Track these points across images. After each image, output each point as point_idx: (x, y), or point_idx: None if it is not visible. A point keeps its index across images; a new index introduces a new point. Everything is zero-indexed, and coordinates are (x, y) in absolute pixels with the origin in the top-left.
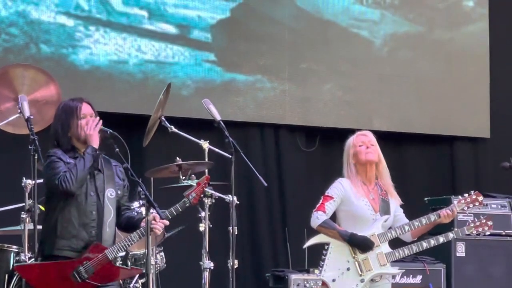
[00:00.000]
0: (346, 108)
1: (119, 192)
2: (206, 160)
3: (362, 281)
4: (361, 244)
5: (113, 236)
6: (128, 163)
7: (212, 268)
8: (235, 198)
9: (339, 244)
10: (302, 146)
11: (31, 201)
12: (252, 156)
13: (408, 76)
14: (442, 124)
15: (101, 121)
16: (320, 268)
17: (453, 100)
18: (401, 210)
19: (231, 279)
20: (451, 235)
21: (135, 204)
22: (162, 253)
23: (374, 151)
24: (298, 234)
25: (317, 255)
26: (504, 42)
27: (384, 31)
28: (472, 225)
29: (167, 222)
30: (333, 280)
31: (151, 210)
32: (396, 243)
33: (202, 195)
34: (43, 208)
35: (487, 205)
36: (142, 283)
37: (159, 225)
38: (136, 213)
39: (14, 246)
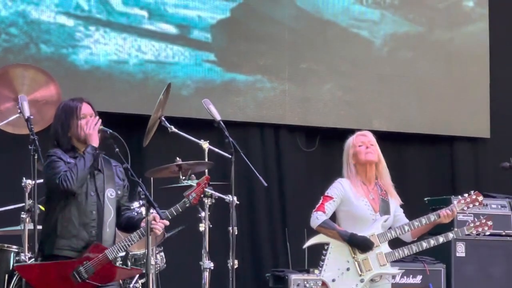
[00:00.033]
0: (346, 108)
1: (119, 192)
2: (206, 160)
3: (362, 281)
4: (360, 244)
5: (113, 236)
6: (128, 163)
7: (212, 268)
8: (235, 198)
9: (339, 244)
10: (302, 146)
11: (31, 201)
12: (252, 156)
13: (408, 76)
14: (442, 124)
15: (100, 120)
16: (320, 268)
17: (453, 100)
18: (401, 210)
19: (231, 279)
20: (451, 235)
21: (135, 204)
22: (162, 253)
23: (374, 151)
24: (298, 234)
25: (317, 255)
26: (504, 42)
27: (384, 31)
28: (472, 225)
29: (167, 222)
30: (333, 280)
31: (151, 210)
32: (396, 243)
33: (202, 195)
34: (43, 208)
35: (487, 205)
36: (142, 283)
37: (159, 225)
38: (136, 213)
39: (14, 246)
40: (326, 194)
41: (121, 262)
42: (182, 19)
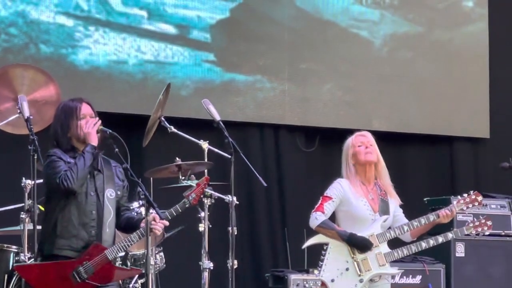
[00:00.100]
0: (345, 109)
1: (118, 192)
2: (206, 160)
3: (361, 281)
4: (360, 245)
5: (112, 236)
6: (127, 163)
7: (211, 268)
8: (234, 198)
9: (338, 244)
10: (302, 146)
11: (31, 201)
12: (252, 157)
13: (407, 76)
14: (441, 124)
15: (99, 121)
16: (319, 268)
17: (453, 101)
18: (401, 210)
19: (230, 279)
20: (450, 235)
21: (135, 204)
22: (162, 253)
23: (373, 152)
24: (297, 234)
25: (316, 255)
26: (503, 42)
27: (383, 31)
28: (471, 225)
29: (166, 223)
30: (332, 280)
31: (151, 211)
32: (395, 243)
33: (201, 196)
34: (42, 208)
35: (486, 205)
36: (141, 283)
37: (159, 226)
38: (135, 214)
39: (14, 246)
40: (325, 194)
41: (120, 262)
42: (182, 19)
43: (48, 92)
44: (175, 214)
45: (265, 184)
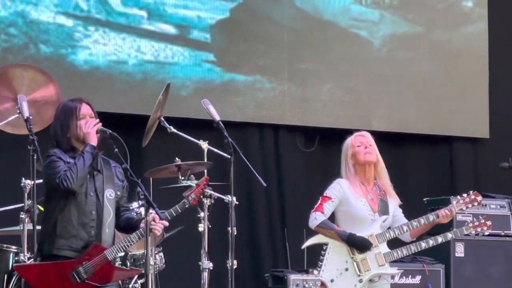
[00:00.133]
0: (345, 109)
1: (118, 193)
2: (205, 160)
3: (360, 281)
4: (359, 245)
5: (112, 236)
6: (127, 164)
7: (211, 268)
8: (234, 198)
9: (338, 244)
10: (301, 146)
11: (30, 201)
12: (251, 157)
13: (407, 77)
14: (441, 124)
15: (100, 122)
16: (319, 269)
17: (452, 101)
18: (400, 210)
19: (230, 279)
20: (449, 235)
21: (134, 205)
22: (161, 254)
23: (372, 152)
24: (297, 235)
25: (316, 255)
26: (503, 43)
27: (383, 32)
28: (471, 225)
29: (166, 223)
30: (332, 281)
31: (150, 211)
32: (395, 243)
33: (201, 196)
34: (42, 209)
35: (486, 205)
36: (141, 283)
37: (159, 226)
38: (135, 214)
39: (13, 246)
40: (324, 194)
41: (120, 263)
42: (182, 19)
43: (47, 92)
44: (174, 214)
45: (265, 184)
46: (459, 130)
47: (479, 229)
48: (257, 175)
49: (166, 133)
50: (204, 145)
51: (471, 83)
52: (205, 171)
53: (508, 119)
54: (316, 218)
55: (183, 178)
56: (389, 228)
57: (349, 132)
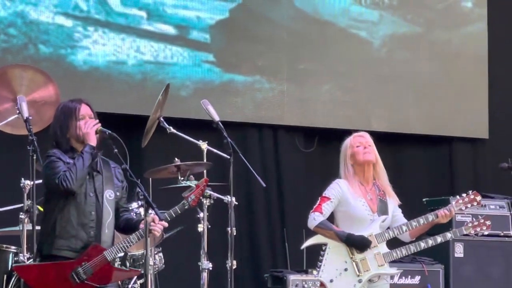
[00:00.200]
0: (344, 109)
1: (117, 193)
2: (205, 160)
3: (360, 281)
4: (358, 244)
5: (111, 237)
6: (126, 164)
7: (210, 268)
8: (233, 198)
9: (337, 244)
10: (301, 146)
11: (30, 201)
12: (251, 157)
13: (406, 77)
14: (440, 125)
15: (99, 123)
16: (318, 269)
17: (452, 101)
18: (400, 210)
19: (229, 279)
20: (449, 235)
21: (134, 205)
22: (161, 254)
23: (371, 152)
24: (296, 235)
25: (315, 255)
26: (502, 43)
27: (382, 32)
28: (470, 225)
29: (166, 224)
30: (331, 281)
31: (150, 211)
32: (394, 243)
33: (201, 197)
34: (41, 209)
35: (485, 205)
36: (140, 283)
37: (158, 227)
38: (134, 214)
39: (13, 247)
40: (323, 195)
41: (119, 263)
42: (181, 20)
43: (47, 92)
44: (174, 215)
45: (264, 185)
46: (459, 130)
47: (478, 229)
48: (256, 175)
49: (166, 133)
50: (204, 145)
51: (471, 83)
52: (205, 171)
53: (508, 119)
54: (315, 218)
55: (182, 178)
56: (388, 228)
57: (349, 132)
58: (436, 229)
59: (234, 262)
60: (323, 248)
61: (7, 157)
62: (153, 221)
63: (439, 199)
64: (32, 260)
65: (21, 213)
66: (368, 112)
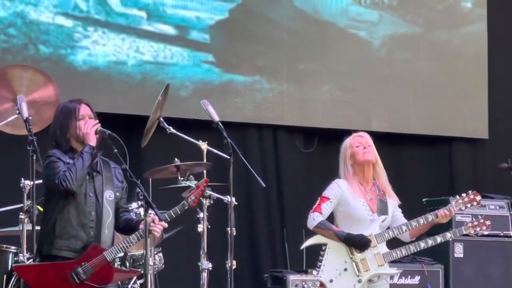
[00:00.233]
0: (344, 109)
1: (117, 194)
2: (205, 161)
3: (359, 281)
4: (357, 243)
5: (111, 237)
6: (126, 164)
7: (210, 268)
8: (233, 199)
9: (336, 244)
10: (301, 147)
11: (30, 201)
12: (251, 157)
13: (406, 77)
14: (440, 125)
15: (99, 123)
16: (318, 269)
17: (452, 101)
18: (400, 210)
19: (229, 279)
20: (448, 235)
21: (134, 205)
22: (161, 254)
23: (371, 152)
24: (296, 235)
25: (315, 255)
26: (502, 43)
27: (382, 32)
28: (470, 225)
29: (165, 224)
30: (331, 281)
31: (150, 211)
32: (394, 243)
33: (201, 198)
34: (41, 209)
35: (485, 206)
36: (140, 283)
37: (158, 227)
38: (134, 215)
39: (13, 247)
40: (323, 195)
41: (119, 263)
42: (181, 20)
43: (47, 92)
44: (174, 216)
45: (264, 185)
46: (459, 130)
47: (478, 229)
48: (256, 175)
49: (165, 133)
50: (203, 145)
51: (471, 83)
52: (204, 171)
53: (507, 119)
54: (314, 218)
55: (182, 178)
56: (388, 228)
57: (348, 132)
58: (436, 229)
59: (234, 262)
60: (323, 248)
61: (7, 157)
62: (153, 221)
63: (439, 199)
64: (32, 260)
65: (21, 213)
66: (368, 112)
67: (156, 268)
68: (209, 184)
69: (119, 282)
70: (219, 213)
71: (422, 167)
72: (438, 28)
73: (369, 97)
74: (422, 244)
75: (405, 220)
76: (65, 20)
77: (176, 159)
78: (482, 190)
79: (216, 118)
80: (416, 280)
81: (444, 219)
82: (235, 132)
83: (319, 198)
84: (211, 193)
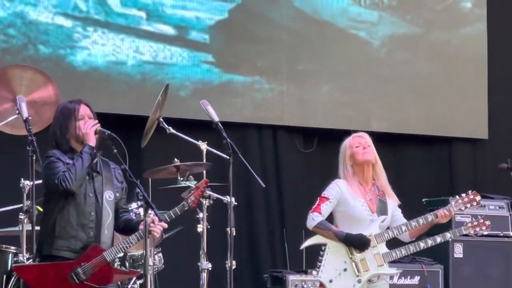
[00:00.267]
0: (344, 109)
1: (117, 194)
2: (204, 161)
3: (359, 281)
4: (356, 243)
5: (111, 238)
6: (126, 164)
7: (210, 269)
8: (233, 199)
9: (336, 244)
10: (300, 147)
11: (29, 202)
12: (250, 157)
13: (406, 77)
14: (440, 125)
15: (98, 123)
16: (317, 269)
17: (451, 101)
18: (399, 211)
19: (229, 280)
20: (448, 235)
21: (133, 205)
22: (160, 254)
23: (371, 152)
24: (296, 235)
25: (315, 256)
26: (502, 43)
27: (382, 32)
28: (469, 225)
29: (165, 225)
30: (330, 281)
31: (149, 212)
32: (394, 243)
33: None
34: (41, 209)
35: (484, 206)
36: (140, 284)
37: (158, 228)
38: (134, 215)
39: (12, 247)
40: (322, 195)
41: (119, 263)
42: (180, 20)
43: (46, 92)
44: (174, 216)
45: (264, 185)
46: (458, 131)
47: (477, 229)
48: (256, 176)
49: (165, 133)
50: (203, 145)
51: (470, 84)
52: (204, 172)
53: (507, 120)
54: (313, 218)
55: (182, 178)
56: (388, 228)
57: (348, 133)
58: (436, 229)
59: (234, 263)
60: (323, 248)
61: (7, 157)
62: (153, 222)
63: (438, 199)
64: (31, 260)
65: (21, 213)
66: (367, 113)
67: (156, 268)
68: (208, 184)
69: (119, 283)
70: (218, 213)
71: (421, 167)
72: (438, 28)
73: (368, 97)
74: (422, 244)
75: (404, 220)
76: (64, 20)
77: (175, 159)
78: (482, 190)
79: (216, 118)
80: (416, 280)
81: (444, 219)
82: (234, 132)
83: (318, 198)
84: (211, 193)
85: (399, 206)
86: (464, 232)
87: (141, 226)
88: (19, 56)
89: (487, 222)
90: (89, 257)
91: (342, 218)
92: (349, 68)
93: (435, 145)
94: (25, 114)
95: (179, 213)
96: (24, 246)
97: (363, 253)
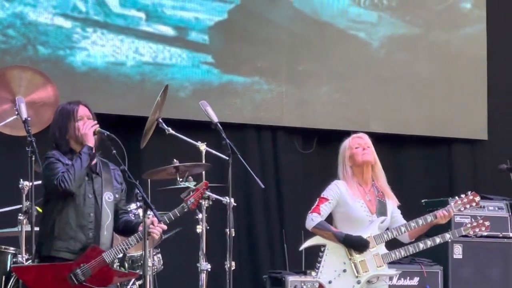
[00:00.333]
0: (343, 110)
1: (117, 195)
2: (204, 162)
3: (358, 282)
4: (355, 244)
5: (110, 239)
6: (125, 165)
7: (209, 270)
8: (232, 200)
9: (335, 245)
10: (300, 148)
11: (29, 202)
12: (250, 158)
13: (405, 78)
14: (439, 126)
15: (97, 124)
16: (317, 270)
17: (451, 102)
18: (399, 211)
19: (228, 281)
20: (447, 236)
21: (133, 206)
22: (159, 255)
23: (370, 153)
24: (295, 236)
25: (314, 257)
26: (501, 44)
27: (381, 33)
28: (469, 225)
29: (164, 227)
30: (330, 282)
31: (149, 212)
32: (393, 244)
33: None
34: (40, 210)
35: (484, 207)
36: (139, 284)
37: (157, 229)
38: (133, 216)
39: (12, 248)
40: (321, 196)
41: (118, 264)
42: (180, 21)
43: (46, 93)
44: (173, 218)
45: (263, 186)
46: (458, 131)
47: (477, 230)
48: (255, 176)
49: (164, 134)
50: (202, 146)
51: (470, 84)
52: (203, 172)
53: (507, 120)
54: (312, 219)
55: (181, 179)
56: (387, 229)
57: (348, 133)
58: (435, 230)
59: (233, 263)
60: (322, 249)
61: (6, 158)
62: (152, 223)
63: (438, 200)
64: (30, 261)
65: (20, 214)
66: (367, 113)
67: (155, 269)
68: (208, 186)
69: (118, 284)
70: (218, 214)
71: (421, 168)
72: (438, 29)
73: (368, 98)
74: (421, 245)
75: (404, 221)
76: (64, 21)
77: (175, 160)
78: (481, 191)
79: (215, 119)
80: (415, 281)
81: (443, 220)
82: (234, 133)
83: (318, 199)
84: (210, 194)
85: (399, 207)
86: (464, 233)
87: (140, 228)
88: (19, 56)
89: (487, 223)
90: (88, 258)
91: (342, 219)
92: (349, 69)
93: (434, 146)
94: (24, 115)
95: (178, 214)
96: (23, 247)
97: (363, 254)
